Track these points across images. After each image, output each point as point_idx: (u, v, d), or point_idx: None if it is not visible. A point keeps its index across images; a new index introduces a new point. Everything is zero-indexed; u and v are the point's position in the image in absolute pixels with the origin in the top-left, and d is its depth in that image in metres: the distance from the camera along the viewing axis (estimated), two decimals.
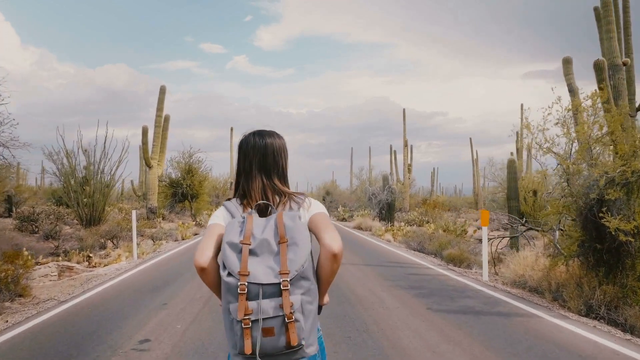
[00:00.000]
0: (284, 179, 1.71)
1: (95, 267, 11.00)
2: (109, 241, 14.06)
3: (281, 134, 1.75)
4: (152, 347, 4.43)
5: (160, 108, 20.86)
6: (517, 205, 14.63)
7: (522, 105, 34.81)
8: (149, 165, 20.17)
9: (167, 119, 21.36)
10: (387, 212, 22.31)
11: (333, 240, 1.46)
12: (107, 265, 11.02)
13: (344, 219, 29.11)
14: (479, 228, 21.05)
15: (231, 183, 46.30)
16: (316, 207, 1.62)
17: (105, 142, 16.58)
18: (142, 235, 15.90)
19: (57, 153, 16.13)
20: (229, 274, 1.38)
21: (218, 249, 1.51)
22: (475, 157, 43.30)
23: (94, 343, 4.57)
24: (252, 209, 1.60)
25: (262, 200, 1.62)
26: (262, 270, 1.37)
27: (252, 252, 1.40)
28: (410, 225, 22.27)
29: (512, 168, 14.93)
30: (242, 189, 1.67)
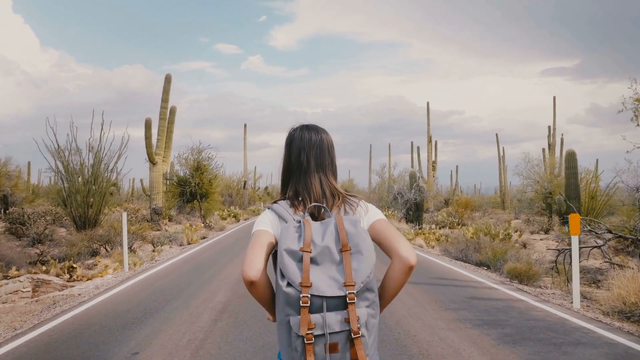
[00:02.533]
0: (336, 178, 1.58)
1: (76, 280, 9.13)
2: (102, 247, 12.21)
3: None
4: None
5: (165, 99, 18.98)
6: (578, 205, 12.35)
7: (554, 98, 32.28)
8: (152, 162, 18.32)
9: (173, 111, 19.50)
10: (414, 212, 20.12)
11: (409, 252, 1.34)
12: (91, 278, 9.14)
13: None
14: (516, 231, 18.78)
15: (245, 182, 44.58)
16: (374, 213, 1.50)
17: (101, 136, 14.75)
18: (142, 240, 14.04)
19: (62, 150, 14.35)
20: (289, 284, 1.25)
21: (267, 259, 1.38)
22: (502, 154, 40.76)
23: None
24: (304, 211, 1.45)
25: (321, 201, 1.48)
26: (325, 281, 1.25)
27: (312, 261, 1.28)
28: (441, 228, 20.06)
29: (571, 162, 12.66)
30: (294, 189, 1.52)
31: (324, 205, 1.46)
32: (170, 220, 21.45)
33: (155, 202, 18.50)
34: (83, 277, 9.25)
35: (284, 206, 1.48)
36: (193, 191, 21.90)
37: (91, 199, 14.32)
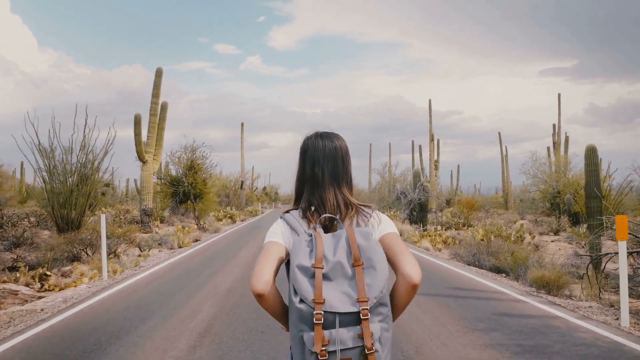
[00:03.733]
0: (351, 188, 1.55)
1: (48, 290, 8.14)
2: (83, 252, 11.22)
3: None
4: None
5: (155, 94, 17.97)
6: (599, 205, 11.42)
7: (559, 95, 31.39)
8: (142, 160, 17.31)
9: (164, 107, 18.50)
10: (419, 213, 19.15)
11: (413, 269, 1.32)
12: (64, 288, 8.15)
13: None
14: (530, 233, 17.83)
15: (242, 182, 43.57)
16: (387, 225, 1.48)
17: (85, 133, 13.75)
18: (129, 243, 13.06)
19: (44, 148, 13.30)
20: (302, 301, 1.24)
21: (277, 272, 1.38)
22: (505, 153, 39.88)
23: None
24: (316, 223, 1.44)
25: (335, 213, 1.46)
26: (337, 297, 1.24)
27: (325, 277, 1.27)
28: (446, 229, 19.09)
29: (592, 158, 11.71)
30: (307, 200, 1.50)
31: (337, 217, 1.44)
32: (162, 221, 20.45)
33: (145, 203, 17.51)
34: (56, 286, 8.27)
35: (295, 217, 1.47)
36: (186, 191, 20.89)
37: (75, 200, 13.32)
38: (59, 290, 8.04)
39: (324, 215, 1.44)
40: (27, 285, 8.46)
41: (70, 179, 13.52)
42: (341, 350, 1.21)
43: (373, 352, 1.21)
